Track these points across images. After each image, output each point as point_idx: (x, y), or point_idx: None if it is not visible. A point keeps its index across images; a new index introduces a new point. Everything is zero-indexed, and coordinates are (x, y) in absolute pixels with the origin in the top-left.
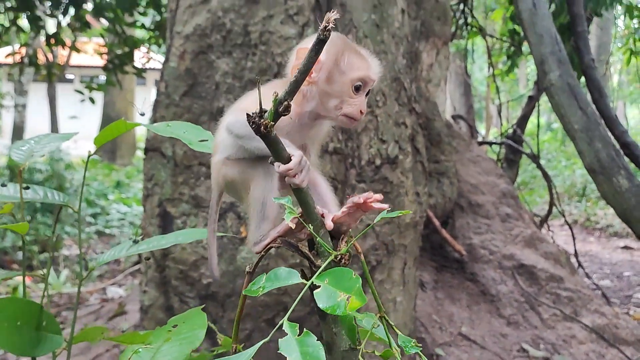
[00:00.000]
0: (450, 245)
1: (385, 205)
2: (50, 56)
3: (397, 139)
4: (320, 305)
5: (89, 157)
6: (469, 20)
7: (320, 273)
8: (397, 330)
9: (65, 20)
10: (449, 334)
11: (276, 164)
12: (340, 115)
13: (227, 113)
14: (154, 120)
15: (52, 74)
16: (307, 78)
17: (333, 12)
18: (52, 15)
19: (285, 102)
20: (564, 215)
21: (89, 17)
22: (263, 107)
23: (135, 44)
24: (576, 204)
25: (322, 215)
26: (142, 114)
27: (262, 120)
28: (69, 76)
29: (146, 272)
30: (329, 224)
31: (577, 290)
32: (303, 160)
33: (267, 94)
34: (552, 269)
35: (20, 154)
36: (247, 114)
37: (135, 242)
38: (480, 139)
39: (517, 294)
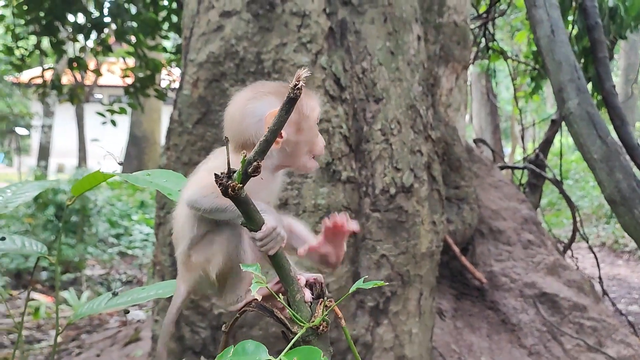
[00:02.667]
0: (470, 273)
1: (355, 226)
2: (76, 78)
3: (413, 167)
4: None
5: (67, 206)
6: (490, 43)
7: (291, 348)
8: None
9: (88, 44)
10: None
11: (250, 232)
12: (311, 158)
13: (185, 188)
14: (167, 147)
15: (75, 97)
16: (277, 139)
17: (304, 69)
18: (74, 40)
19: (255, 163)
20: (587, 242)
21: (112, 39)
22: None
23: (156, 67)
24: (604, 226)
25: (301, 280)
26: (121, 164)
27: (230, 182)
28: (97, 95)
29: (157, 300)
30: (308, 296)
31: (602, 319)
32: (275, 232)
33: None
34: (576, 298)
35: None
36: (216, 175)
37: (115, 294)
38: (505, 161)
39: (539, 323)
